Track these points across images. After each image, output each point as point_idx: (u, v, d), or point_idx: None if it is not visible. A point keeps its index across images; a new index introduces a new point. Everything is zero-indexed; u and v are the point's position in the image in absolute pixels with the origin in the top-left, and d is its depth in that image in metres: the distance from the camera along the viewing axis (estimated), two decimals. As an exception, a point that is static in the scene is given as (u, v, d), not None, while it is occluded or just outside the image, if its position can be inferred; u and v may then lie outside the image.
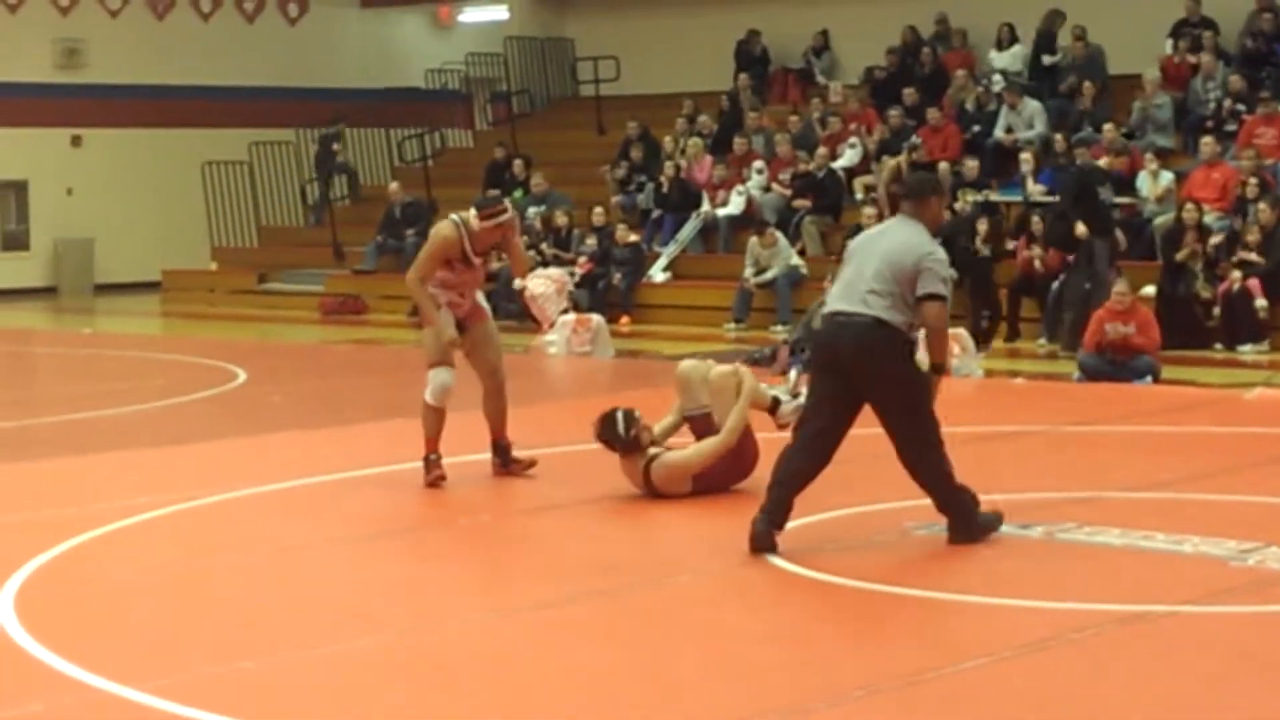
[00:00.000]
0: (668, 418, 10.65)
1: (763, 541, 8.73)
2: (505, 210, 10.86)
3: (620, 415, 10.35)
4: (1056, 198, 19.90)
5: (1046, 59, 24.38)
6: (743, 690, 6.69)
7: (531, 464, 11.07)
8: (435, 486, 10.72)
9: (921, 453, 8.92)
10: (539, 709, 6.56)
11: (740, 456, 10.40)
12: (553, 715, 6.50)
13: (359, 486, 11.01)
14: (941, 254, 8.96)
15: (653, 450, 10.36)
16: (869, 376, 8.82)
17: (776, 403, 10.77)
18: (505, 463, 11.04)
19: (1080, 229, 18.20)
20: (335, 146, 29.46)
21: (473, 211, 10.81)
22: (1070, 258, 18.75)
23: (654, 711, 6.52)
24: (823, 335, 9.13)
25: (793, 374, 10.80)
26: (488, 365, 11.01)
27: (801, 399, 10.38)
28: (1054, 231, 19.03)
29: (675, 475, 10.27)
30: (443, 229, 10.79)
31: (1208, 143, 20.24)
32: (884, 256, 8.90)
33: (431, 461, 10.79)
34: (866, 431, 11.02)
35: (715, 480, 10.31)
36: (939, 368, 9.00)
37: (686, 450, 10.38)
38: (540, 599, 8.07)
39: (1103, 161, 19.01)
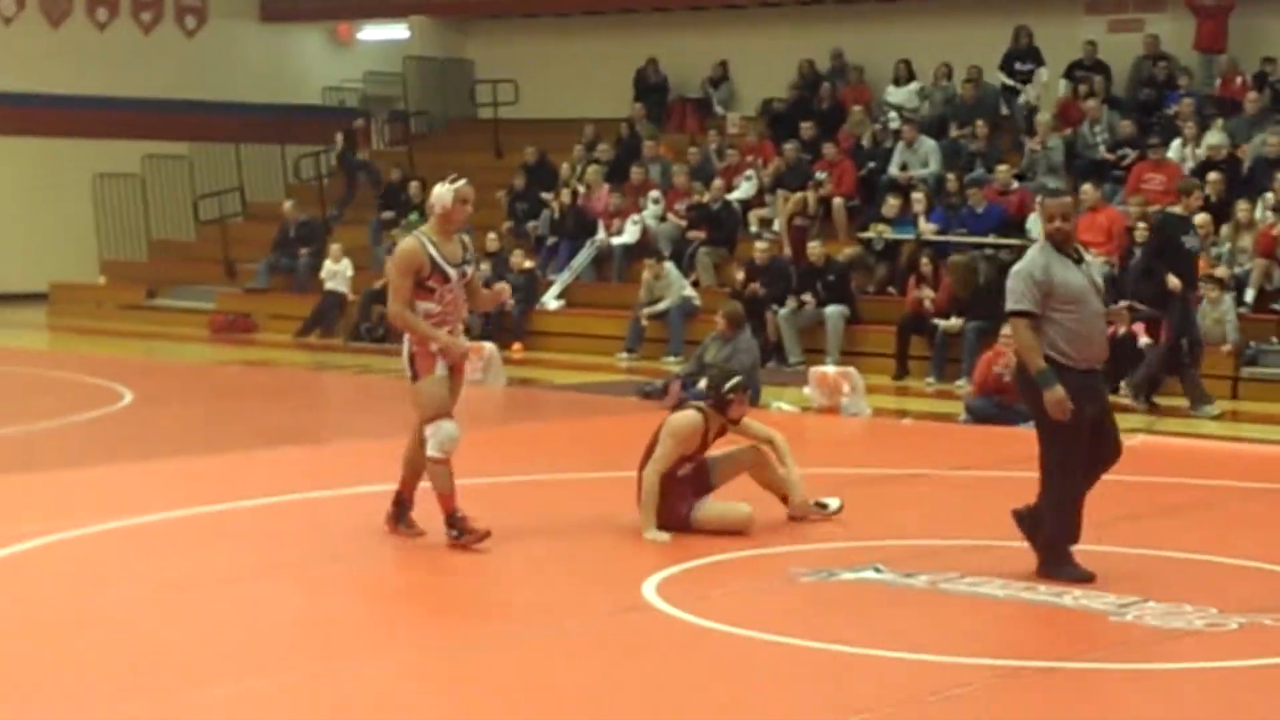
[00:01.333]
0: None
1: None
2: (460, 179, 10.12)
3: (736, 378, 10.86)
4: (989, 239, 19.64)
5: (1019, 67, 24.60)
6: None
7: (421, 533, 10.32)
8: (483, 541, 10.02)
9: (1043, 480, 9.46)
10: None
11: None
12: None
13: (248, 517, 10.95)
14: (1016, 270, 9.47)
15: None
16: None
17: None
18: (400, 519, 10.34)
19: (1173, 281, 16.93)
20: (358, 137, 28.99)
21: (444, 187, 9.93)
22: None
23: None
24: None
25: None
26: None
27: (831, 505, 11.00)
28: (1141, 289, 17.60)
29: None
30: (404, 243, 10.07)
31: (1087, 189, 20.46)
32: None
33: (459, 519, 10.04)
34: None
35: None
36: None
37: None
38: (435, 644, 8.06)
39: (1178, 207, 17.45)
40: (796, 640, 8.15)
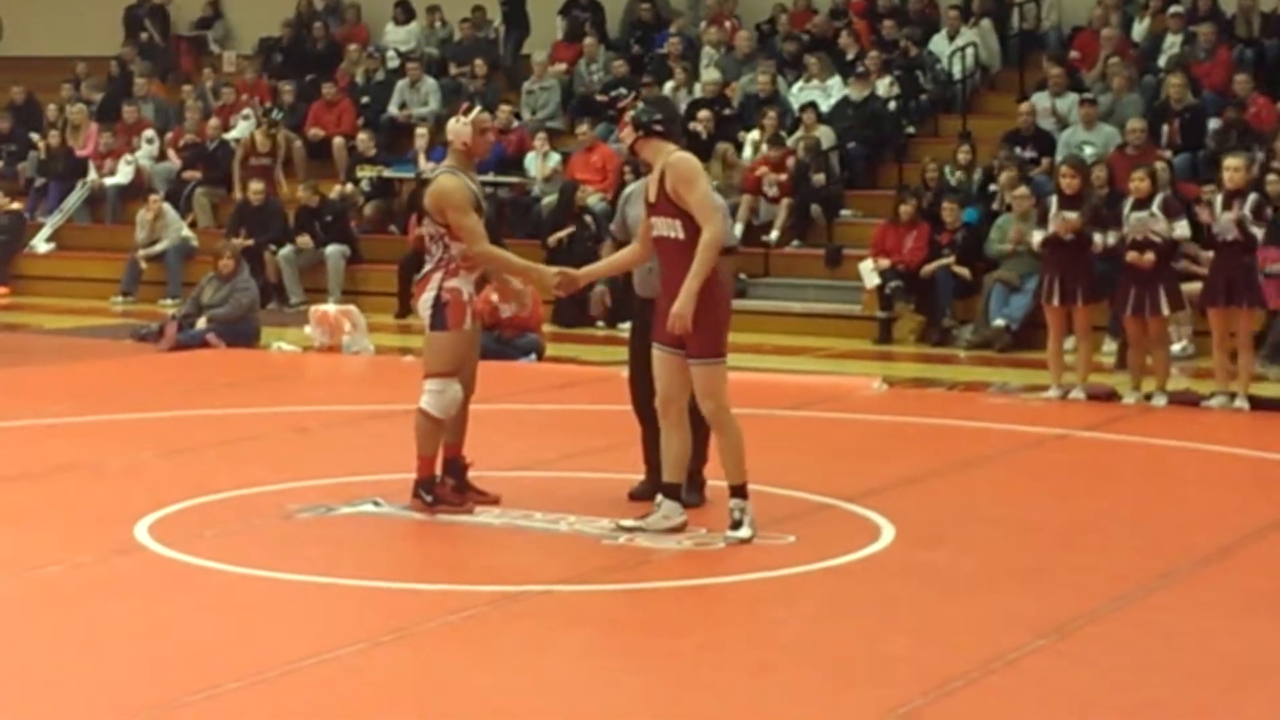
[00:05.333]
0: None
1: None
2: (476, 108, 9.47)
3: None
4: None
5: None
6: (112, 686, 6.54)
7: (495, 500, 9.55)
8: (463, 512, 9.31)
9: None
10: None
11: None
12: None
13: None
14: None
15: None
16: None
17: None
18: (460, 487, 9.50)
19: None
20: None
21: (460, 122, 9.35)
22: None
23: (21, 713, 6.28)
24: None
25: None
26: (470, 373, 9.57)
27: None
28: None
29: None
30: (447, 181, 9.25)
31: (584, 128, 20.89)
32: None
33: (436, 486, 9.35)
34: (237, 413, 10.97)
35: None
36: None
37: None
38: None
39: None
40: (291, 575, 8.08)
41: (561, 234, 19.36)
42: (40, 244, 22.89)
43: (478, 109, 9.48)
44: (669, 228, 8.77)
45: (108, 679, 6.64)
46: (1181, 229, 13.50)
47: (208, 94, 24.71)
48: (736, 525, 8.79)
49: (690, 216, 8.66)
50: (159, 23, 27.33)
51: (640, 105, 9.08)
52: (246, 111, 23.77)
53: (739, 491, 8.82)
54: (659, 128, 8.86)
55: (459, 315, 9.29)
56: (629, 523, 8.93)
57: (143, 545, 8.58)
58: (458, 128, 9.37)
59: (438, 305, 9.28)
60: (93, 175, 23.51)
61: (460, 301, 9.28)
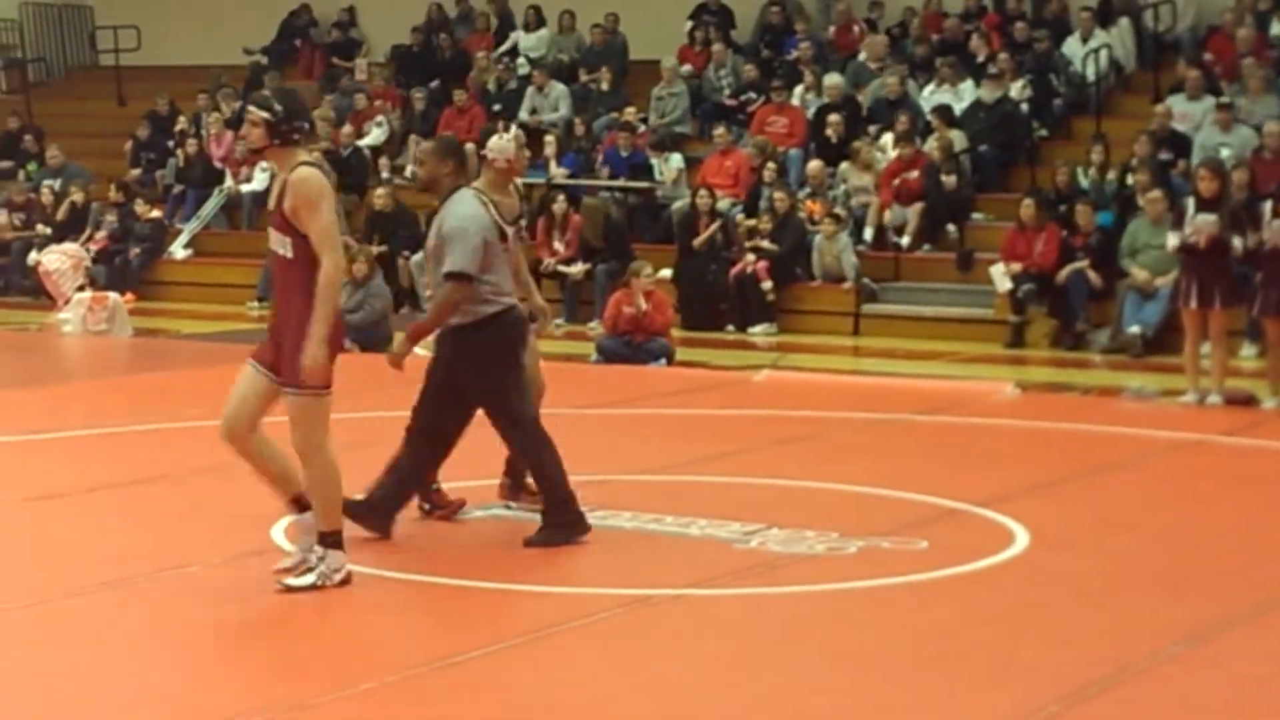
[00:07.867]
0: None
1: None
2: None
3: None
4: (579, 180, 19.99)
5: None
6: (249, 684, 6.63)
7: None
8: None
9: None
10: (22, 713, 6.31)
11: None
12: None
13: None
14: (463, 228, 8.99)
15: None
16: None
17: None
18: (516, 488, 9.67)
19: None
20: None
21: (505, 140, 9.28)
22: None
23: (145, 710, 6.37)
24: None
25: None
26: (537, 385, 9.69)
27: None
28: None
29: None
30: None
31: (721, 132, 20.92)
32: None
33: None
34: (369, 416, 11.07)
35: None
36: None
37: None
38: (41, 592, 7.83)
39: None
40: (424, 577, 8.14)
41: (704, 235, 19.31)
42: (178, 250, 23.21)
43: (514, 127, 9.31)
44: (280, 244, 7.88)
45: (245, 676, 6.73)
46: None
47: (341, 102, 24.94)
48: (306, 571, 7.85)
49: (301, 237, 7.76)
50: (310, 32, 27.70)
51: (277, 107, 7.84)
52: (380, 118, 23.98)
53: (326, 539, 7.86)
54: (297, 136, 7.89)
55: None
56: (289, 568, 7.97)
57: (280, 547, 8.66)
58: (501, 145, 9.34)
59: None
60: (229, 182, 23.82)
61: None
